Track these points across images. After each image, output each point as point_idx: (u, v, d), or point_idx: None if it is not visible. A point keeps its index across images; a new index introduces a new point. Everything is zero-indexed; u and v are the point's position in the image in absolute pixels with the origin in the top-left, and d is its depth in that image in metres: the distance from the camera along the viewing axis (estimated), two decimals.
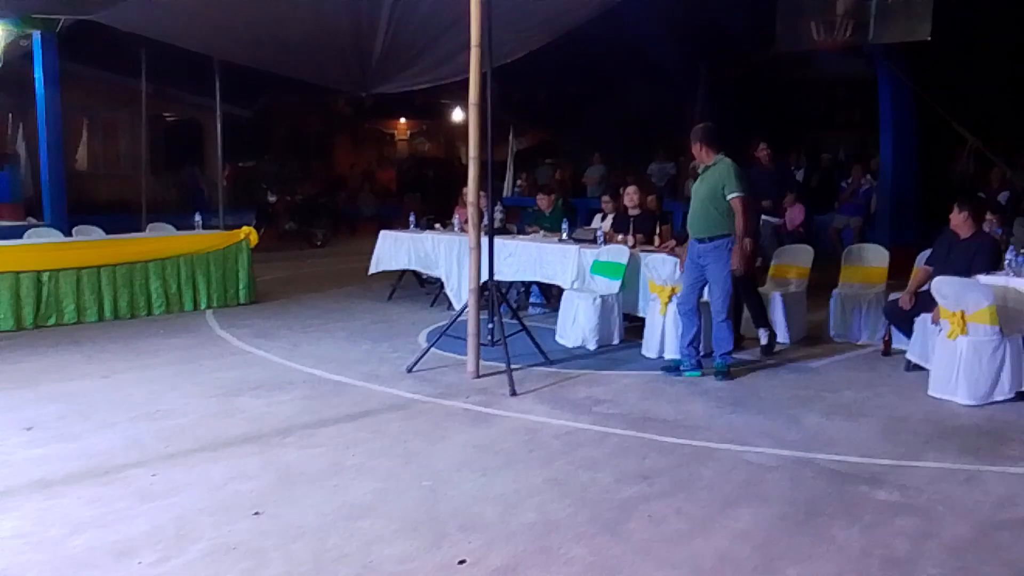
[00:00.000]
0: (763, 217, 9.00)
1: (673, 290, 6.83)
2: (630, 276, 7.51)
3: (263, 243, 14.42)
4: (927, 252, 6.84)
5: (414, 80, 11.03)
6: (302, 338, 7.78)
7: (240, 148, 17.52)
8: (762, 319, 7.17)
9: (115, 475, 4.35)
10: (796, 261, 7.98)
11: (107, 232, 9.49)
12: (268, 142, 20.15)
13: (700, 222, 6.24)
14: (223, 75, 11.65)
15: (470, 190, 6.22)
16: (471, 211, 6.21)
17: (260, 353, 7.15)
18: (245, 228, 9.65)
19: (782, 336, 7.42)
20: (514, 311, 7.13)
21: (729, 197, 6.05)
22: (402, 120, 24.54)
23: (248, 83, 14.51)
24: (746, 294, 7.19)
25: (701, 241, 6.26)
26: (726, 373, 6.22)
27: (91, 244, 8.69)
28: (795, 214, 12.95)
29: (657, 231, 8.14)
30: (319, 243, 16.39)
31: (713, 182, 6.15)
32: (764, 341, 7.12)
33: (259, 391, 5.92)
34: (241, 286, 9.46)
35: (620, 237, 8.19)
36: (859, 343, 7.44)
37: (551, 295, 9.05)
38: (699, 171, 6.42)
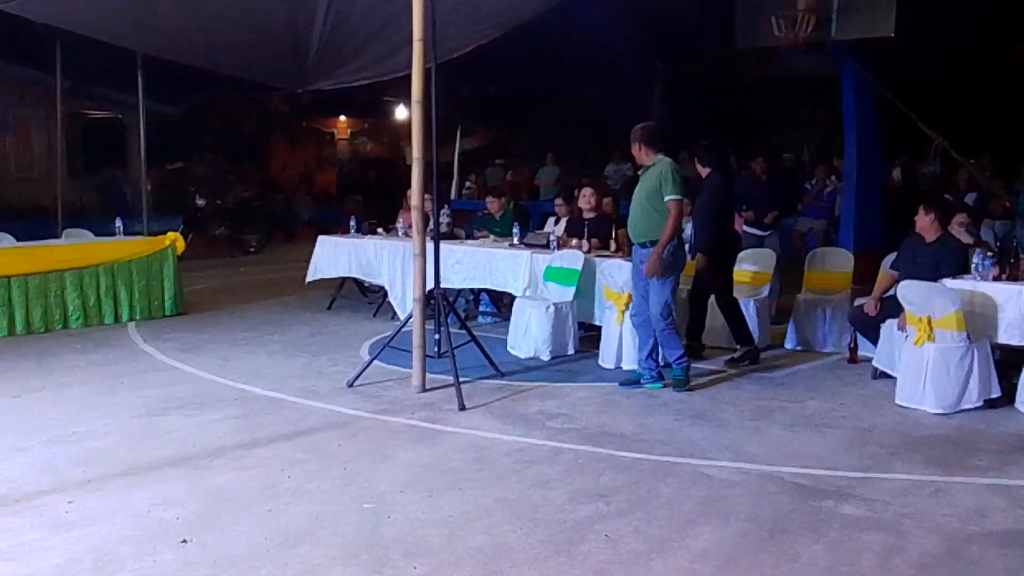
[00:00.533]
0: (745, 228, 9.13)
1: (630, 297, 6.86)
2: (585, 283, 7.53)
3: (192, 250, 14.23)
4: (893, 256, 6.97)
5: (355, 76, 10.95)
6: (233, 352, 7.68)
7: (167, 149, 17.29)
8: (743, 336, 7.20)
9: (27, 503, 4.25)
10: (759, 266, 8.07)
11: (19, 239, 9.28)
12: (198, 142, 19.90)
13: (639, 225, 6.30)
14: (148, 70, 11.47)
15: (414, 192, 6.19)
16: (415, 215, 6.19)
17: (187, 369, 7.05)
18: (171, 234, 9.51)
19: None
20: (462, 321, 7.11)
21: (666, 199, 6.11)
22: (342, 118, 24.42)
23: (176, 79, 14.30)
24: (722, 307, 7.25)
25: (643, 246, 6.32)
26: (685, 382, 6.26)
27: (1, 252, 8.46)
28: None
29: (613, 235, 8.18)
30: (252, 250, 16.20)
31: (651, 183, 6.21)
32: (737, 355, 7.15)
33: (186, 410, 5.83)
34: (167, 297, 9.31)
35: (574, 242, 8.22)
36: (824, 351, 7.55)
37: (502, 303, 9.06)
38: (639, 172, 6.48)
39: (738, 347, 7.21)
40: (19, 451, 5.00)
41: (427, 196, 6.67)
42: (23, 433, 5.31)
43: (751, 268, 8.04)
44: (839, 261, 8.13)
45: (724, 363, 7.13)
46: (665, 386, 6.32)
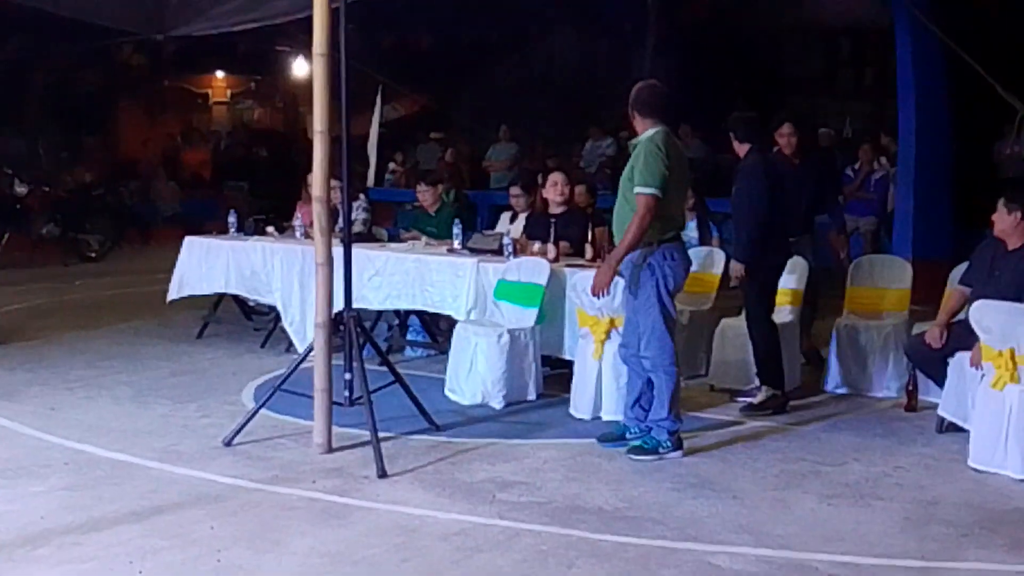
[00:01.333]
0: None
1: (613, 323, 6.88)
2: (552, 303, 7.54)
3: (10, 255, 14.12)
4: (964, 267, 7.06)
5: (235, 18, 10.94)
6: (65, 398, 7.59)
7: None
8: (771, 376, 7.23)
9: None
10: (784, 280, 8.12)
11: None
12: (19, 107, 19.68)
13: (621, 222, 6.33)
14: None
15: (316, 179, 6.15)
16: (317, 209, 6.15)
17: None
18: None
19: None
20: (383, 355, 7.07)
21: (635, 191, 6.13)
22: (220, 75, 24.34)
23: None
24: (754, 334, 7.27)
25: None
26: (653, 450, 6.20)
27: None
28: None
29: (590, 237, 8.21)
30: (94, 255, 16.06)
31: (629, 167, 6.28)
32: (757, 399, 7.21)
33: None
34: None
35: (537, 246, 8.23)
36: (874, 395, 7.63)
37: (438, 331, 9.03)
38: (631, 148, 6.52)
39: (759, 388, 7.25)
40: None
41: (335, 183, 6.63)
42: None
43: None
44: (893, 273, 8.23)
45: (740, 411, 7.17)
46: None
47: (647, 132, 6.26)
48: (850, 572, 4.60)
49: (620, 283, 6.52)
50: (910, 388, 7.25)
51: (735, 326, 7.71)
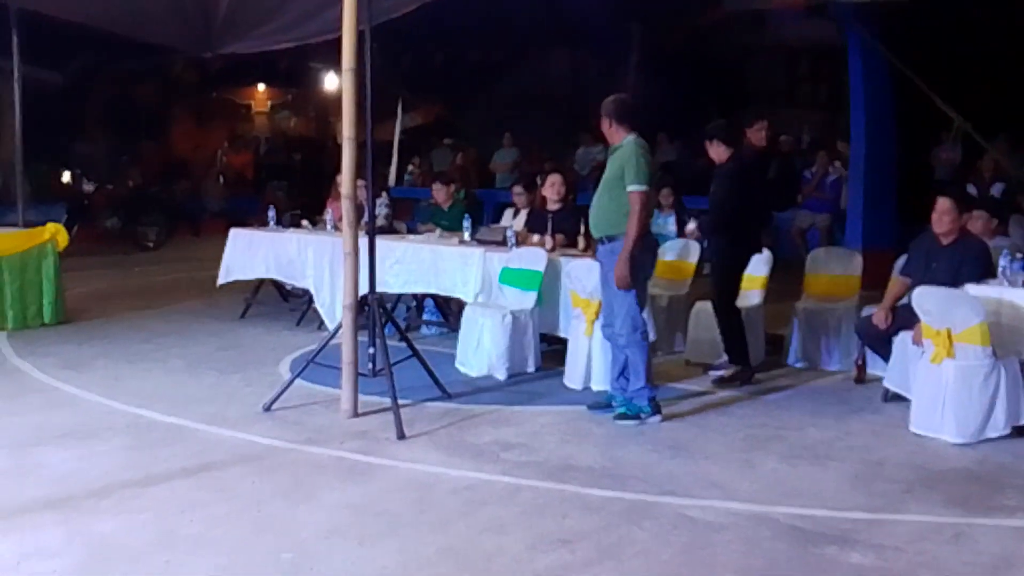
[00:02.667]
0: None
1: (601, 305, 6.86)
2: (548, 287, 7.52)
3: (77, 245, 14.02)
4: (904, 258, 7.04)
5: (274, 38, 10.85)
6: (126, 369, 7.58)
7: (48, 122, 16.98)
8: (738, 354, 7.24)
9: None
10: (751, 269, 8.08)
11: None
12: (85, 115, 19.62)
13: (599, 218, 6.33)
14: (25, 28, 11.26)
15: (344, 179, 6.14)
16: (346, 205, 6.14)
17: (69, 389, 6.94)
18: (51, 225, 9.36)
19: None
20: (402, 332, 7.05)
21: (628, 189, 6.10)
22: (261, 88, 24.22)
23: (60, 40, 14.09)
24: (721, 317, 7.26)
25: (600, 242, 6.35)
26: (634, 416, 6.20)
27: None
28: None
29: (582, 230, 8.18)
30: (151, 245, 16.03)
31: (615, 169, 6.23)
32: (727, 372, 7.22)
33: (66, 440, 5.72)
34: (45, 301, 9.17)
35: (536, 238, 8.21)
36: (827, 369, 7.62)
37: (450, 311, 9.02)
38: (609, 154, 6.48)
39: (728, 364, 7.24)
40: None
41: (361, 183, 6.62)
42: None
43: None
44: (845, 263, 8.20)
45: (712, 383, 7.16)
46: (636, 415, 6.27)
47: (627, 137, 6.22)
48: (807, 523, 4.58)
49: (596, 269, 6.52)
50: (859, 363, 7.23)
51: (707, 309, 7.67)
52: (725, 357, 7.33)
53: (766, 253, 7.84)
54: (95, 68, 18.69)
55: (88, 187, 16.02)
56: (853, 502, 4.86)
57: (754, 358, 7.55)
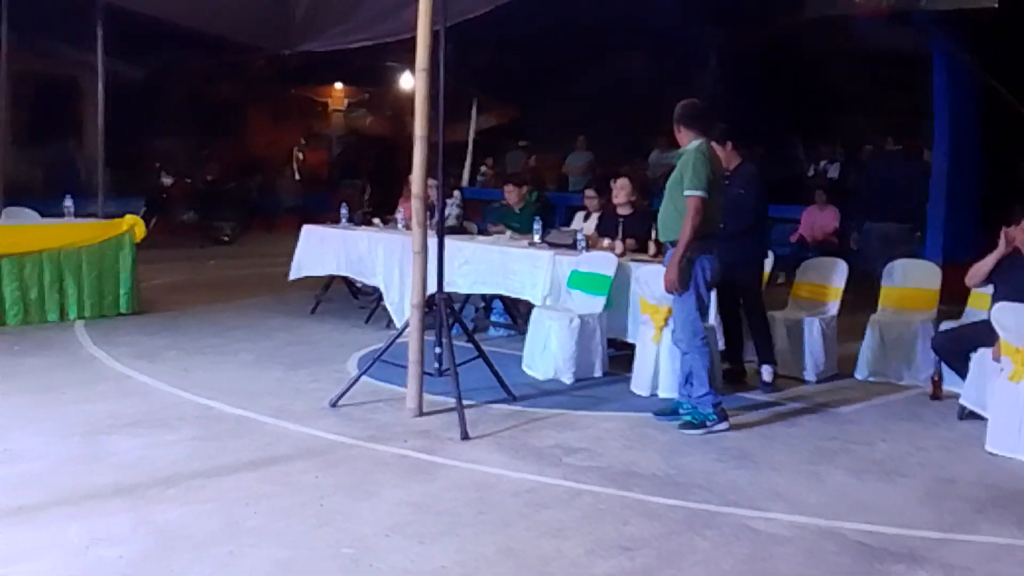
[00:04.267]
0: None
1: (670, 311, 6.83)
2: (617, 292, 7.51)
3: (154, 237, 14.31)
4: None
5: (350, 37, 11.02)
6: (197, 361, 7.71)
7: (129, 116, 17.36)
8: (769, 353, 7.27)
9: None
10: (827, 279, 8.02)
11: None
12: (165, 110, 19.99)
13: (665, 222, 6.36)
14: (110, 23, 11.54)
15: (415, 178, 6.20)
16: (415, 205, 6.19)
17: (141, 379, 7.08)
18: (129, 217, 9.56)
19: (806, 373, 7.54)
20: (469, 333, 7.08)
21: (685, 193, 6.10)
22: (338, 86, 24.46)
23: (142, 35, 14.39)
24: (752, 318, 7.27)
25: (668, 246, 6.38)
26: (700, 424, 6.17)
27: None
28: (826, 219, 13.14)
29: (653, 235, 8.15)
30: (226, 239, 16.29)
31: (677, 173, 6.24)
32: (768, 378, 7.23)
33: (136, 429, 5.84)
34: (122, 292, 9.38)
35: (606, 242, 8.20)
36: (901, 383, 7.49)
37: (518, 313, 9.04)
38: (674, 160, 6.49)
39: (763, 367, 7.27)
40: None
41: (432, 182, 6.67)
42: None
43: (815, 280, 7.99)
44: (922, 275, 8.06)
45: (765, 392, 7.16)
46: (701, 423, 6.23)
47: (692, 143, 6.22)
48: (873, 539, 4.51)
49: (662, 273, 6.51)
50: (935, 378, 7.10)
51: (783, 317, 7.68)
52: (769, 367, 7.27)
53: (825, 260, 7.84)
54: (176, 63, 19.04)
55: (167, 180, 16.33)
56: (922, 519, 4.78)
57: (826, 371, 7.50)
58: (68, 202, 9.72)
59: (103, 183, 11.31)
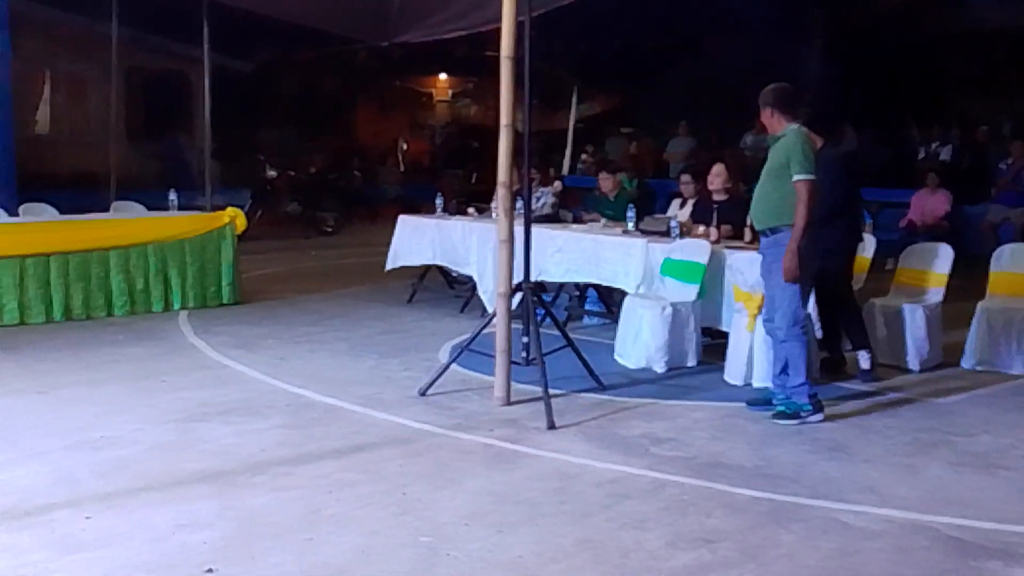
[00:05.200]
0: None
1: (764, 299, 6.70)
2: (711, 280, 7.40)
3: (260, 229, 14.66)
4: None
5: (446, 27, 11.06)
6: (292, 350, 7.84)
7: (237, 110, 17.76)
8: (863, 339, 7.12)
9: (37, 518, 4.39)
10: (930, 264, 7.77)
11: (64, 212, 9.68)
12: (271, 103, 20.39)
13: (761, 209, 6.21)
14: (217, 19, 11.80)
15: (500, 166, 6.18)
16: (501, 193, 6.19)
17: (237, 367, 7.22)
18: (230, 210, 9.76)
19: (909, 362, 7.33)
20: (557, 322, 7.04)
21: (794, 178, 5.93)
22: (442, 77, 24.62)
23: (250, 30, 14.70)
24: (840, 306, 7.10)
25: (763, 234, 6.20)
26: (794, 414, 6.03)
27: (38, 227, 8.87)
28: (937, 203, 12.73)
29: (748, 221, 7.99)
30: (329, 230, 16.53)
31: (779, 158, 6.06)
32: (866, 365, 7.06)
33: (228, 416, 5.96)
34: (223, 283, 9.59)
35: (701, 229, 8.08)
36: (1008, 373, 7.22)
37: (612, 302, 8.96)
38: (769, 143, 6.33)
39: (860, 353, 7.10)
40: (36, 456, 5.19)
41: (534, 172, 6.62)
42: (44, 436, 5.52)
43: (918, 266, 7.74)
44: None
45: (863, 381, 6.98)
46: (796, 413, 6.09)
47: (790, 127, 6.06)
48: (968, 534, 4.35)
49: (757, 261, 6.37)
50: None
51: (883, 305, 7.47)
52: (865, 354, 7.10)
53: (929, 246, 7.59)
54: (283, 58, 19.41)
55: (271, 173, 16.64)
56: (1021, 515, 4.58)
57: (929, 360, 7.28)
58: (172, 196, 9.97)
59: (210, 176, 11.60)
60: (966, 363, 7.41)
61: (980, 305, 7.51)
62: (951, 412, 6.33)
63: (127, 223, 9.39)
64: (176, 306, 9.27)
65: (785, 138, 6.06)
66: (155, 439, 5.52)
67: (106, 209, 10.39)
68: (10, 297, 8.38)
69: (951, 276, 7.71)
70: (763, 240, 6.24)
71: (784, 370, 6.21)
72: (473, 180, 19.61)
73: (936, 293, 7.63)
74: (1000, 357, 7.33)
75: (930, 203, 12.85)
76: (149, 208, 10.19)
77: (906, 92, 15.75)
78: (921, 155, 15.26)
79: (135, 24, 13.89)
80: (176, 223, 9.45)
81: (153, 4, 13.22)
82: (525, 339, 6.48)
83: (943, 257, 7.75)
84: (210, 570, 3.91)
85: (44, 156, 15.48)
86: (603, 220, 9.20)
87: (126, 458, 5.19)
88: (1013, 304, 7.48)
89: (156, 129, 18.04)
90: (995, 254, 8.04)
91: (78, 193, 12.49)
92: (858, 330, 7.14)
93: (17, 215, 9.51)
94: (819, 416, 6.02)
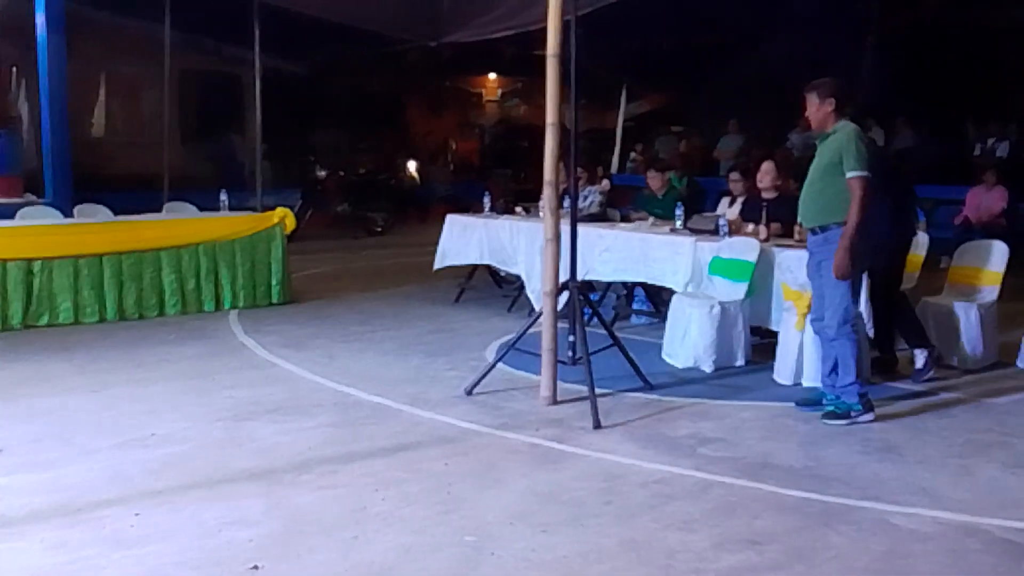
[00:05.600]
0: None
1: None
2: (760, 278, 7.31)
3: (310, 229, 14.77)
4: None
5: (495, 26, 11.07)
6: (341, 349, 7.88)
7: (290, 111, 17.90)
8: (919, 337, 7.00)
9: (89, 514, 4.45)
10: (985, 262, 7.63)
11: (118, 212, 9.81)
12: (324, 104, 20.53)
13: (811, 207, 6.12)
14: (270, 22, 11.91)
15: (547, 164, 6.16)
16: (547, 192, 6.16)
17: (286, 366, 7.28)
18: (280, 210, 9.83)
19: (963, 362, 7.19)
20: (603, 321, 7.01)
21: (849, 175, 5.86)
22: (491, 76, 24.65)
23: (302, 32, 14.81)
24: (896, 304, 6.98)
25: (813, 232, 6.11)
26: (845, 415, 5.95)
27: (92, 228, 8.99)
28: (994, 200, 12.51)
29: (798, 219, 7.90)
30: (379, 230, 16.61)
31: (831, 155, 5.98)
32: (920, 364, 6.92)
33: (277, 415, 6.01)
34: (273, 282, 9.66)
35: (750, 228, 7.99)
36: None
37: (661, 300, 8.90)
38: (817, 141, 6.24)
39: (916, 352, 6.96)
40: (89, 454, 5.26)
41: (581, 171, 6.59)
42: (96, 433, 5.60)
43: (972, 264, 7.62)
44: None
45: (918, 381, 6.84)
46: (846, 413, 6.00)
47: (843, 123, 5.98)
48: (1022, 537, 4.26)
49: (804, 258, 6.30)
50: None
51: (935, 303, 7.36)
52: (921, 352, 6.95)
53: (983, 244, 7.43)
54: (335, 59, 19.53)
55: (321, 173, 16.76)
56: None
57: (983, 360, 7.16)
58: (223, 196, 10.06)
59: (261, 177, 11.71)
60: (1022, 363, 7.27)
61: None
62: (1007, 412, 6.21)
63: (179, 223, 9.50)
64: (227, 305, 9.36)
65: (837, 134, 5.98)
66: (204, 437, 5.57)
67: (159, 210, 10.52)
68: (64, 297, 8.52)
69: (1007, 274, 7.57)
70: (812, 238, 6.16)
71: (834, 369, 6.13)
72: (521, 179, 19.62)
73: (991, 292, 7.49)
74: None
75: (986, 200, 12.62)
76: (201, 208, 10.29)
77: (963, 87, 15.47)
78: (977, 151, 15.01)
79: (188, 27, 14.09)
80: (227, 223, 9.54)
81: (206, 7, 13.38)
82: (571, 338, 6.46)
83: (998, 255, 7.60)
84: (256, 567, 3.93)
85: (99, 158, 15.72)
86: (651, 219, 9.13)
87: (175, 456, 5.25)
88: None
89: (209, 131, 18.25)
90: None
91: (132, 194, 12.67)
92: (913, 328, 7.03)
93: (72, 216, 9.66)
94: (870, 416, 5.94)
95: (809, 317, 6.42)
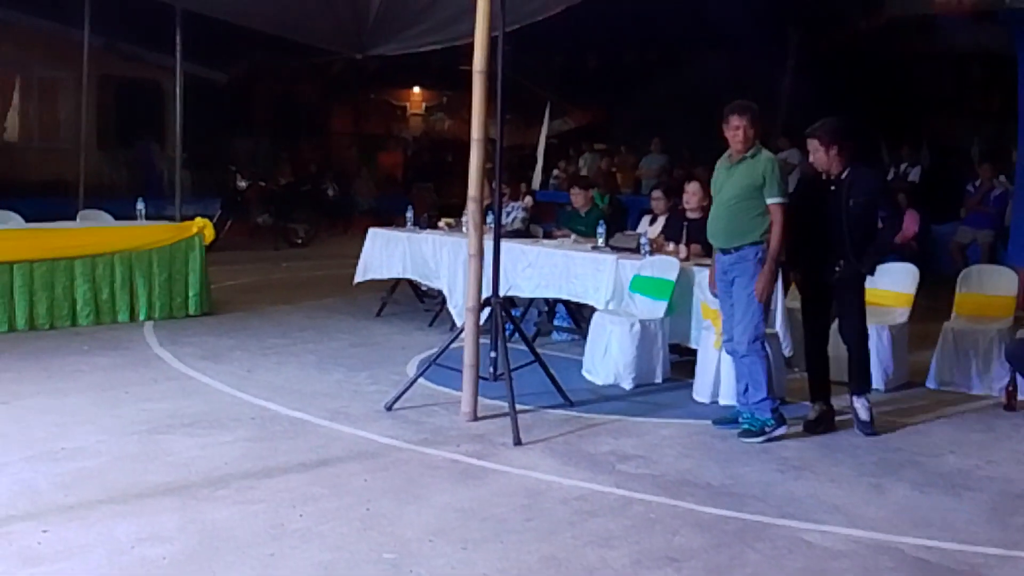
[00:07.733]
0: None
1: None
2: (680, 297, 7.40)
3: (231, 240, 14.58)
4: None
5: (422, 40, 11.02)
6: (260, 362, 7.79)
7: (212, 119, 17.68)
8: (867, 379, 6.48)
9: None
10: (898, 285, 7.81)
11: (30, 220, 9.57)
12: (247, 114, 20.32)
13: (725, 228, 6.19)
14: (191, 29, 11.72)
15: (471, 180, 6.17)
16: (471, 207, 6.17)
17: (203, 379, 7.16)
18: (199, 220, 9.67)
19: (874, 381, 7.26)
20: (525, 337, 7.02)
21: (771, 201, 6.00)
22: (416, 90, 24.62)
23: (225, 40, 14.64)
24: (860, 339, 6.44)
25: (726, 252, 6.20)
26: (759, 432, 6.01)
27: (2, 235, 8.74)
28: (908, 223, 12.79)
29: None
30: (300, 241, 16.47)
31: (749, 179, 6.08)
32: (866, 415, 6.30)
33: (193, 428, 5.90)
34: (191, 293, 9.49)
35: (671, 247, 8.09)
36: (975, 394, 7.26)
37: (582, 317, 8.95)
38: (723, 164, 6.33)
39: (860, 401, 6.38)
40: None
41: (505, 187, 6.60)
42: (4, 447, 5.43)
43: (885, 287, 7.78)
44: (1000, 282, 7.81)
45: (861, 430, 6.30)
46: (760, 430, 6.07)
47: (760, 149, 6.11)
48: (933, 555, 4.36)
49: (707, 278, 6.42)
50: (1010, 389, 6.87)
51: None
52: (861, 401, 6.33)
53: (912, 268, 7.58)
54: (258, 68, 19.36)
55: (242, 183, 16.55)
56: (987, 536, 4.60)
57: (895, 380, 7.32)
58: (140, 205, 9.86)
59: (180, 186, 11.52)
60: (931, 383, 7.45)
61: (945, 326, 7.56)
62: (917, 432, 6.35)
63: (93, 232, 9.28)
64: (142, 316, 9.17)
65: (757, 159, 6.08)
66: (118, 451, 5.46)
67: (73, 218, 10.27)
68: None
69: (918, 296, 7.77)
70: (724, 257, 6.22)
71: (748, 388, 6.22)
72: (445, 193, 19.62)
73: (902, 313, 7.67)
74: (965, 378, 7.37)
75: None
76: (117, 217, 10.07)
77: (878, 112, 15.84)
78: (890, 176, 15.37)
79: (109, 32, 13.84)
80: (143, 233, 9.34)
81: (127, 12, 13.15)
82: (493, 354, 6.46)
83: (910, 277, 7.80)
84: None
85: (11, 163, 15.37)
86: (574, 236, 9.18)
87: (87, 470, 5.13)
88: (978, 325, 7.53)
89: (127, 138, 17.94)
90: (961, 275, 8.12)
91: (45, 201, 12.35)
92: (861, 371, 6.41)
93: None
94: (783, 429, 6.04)
95: (723, 339, 6.48)
